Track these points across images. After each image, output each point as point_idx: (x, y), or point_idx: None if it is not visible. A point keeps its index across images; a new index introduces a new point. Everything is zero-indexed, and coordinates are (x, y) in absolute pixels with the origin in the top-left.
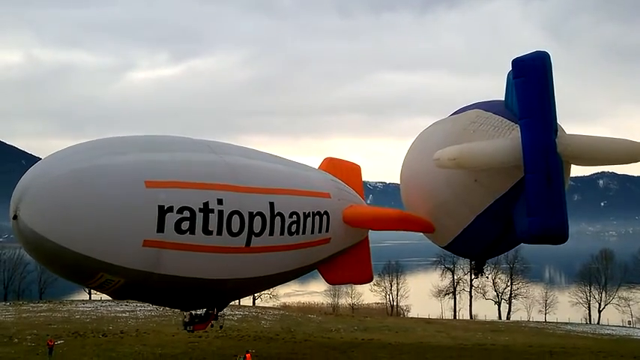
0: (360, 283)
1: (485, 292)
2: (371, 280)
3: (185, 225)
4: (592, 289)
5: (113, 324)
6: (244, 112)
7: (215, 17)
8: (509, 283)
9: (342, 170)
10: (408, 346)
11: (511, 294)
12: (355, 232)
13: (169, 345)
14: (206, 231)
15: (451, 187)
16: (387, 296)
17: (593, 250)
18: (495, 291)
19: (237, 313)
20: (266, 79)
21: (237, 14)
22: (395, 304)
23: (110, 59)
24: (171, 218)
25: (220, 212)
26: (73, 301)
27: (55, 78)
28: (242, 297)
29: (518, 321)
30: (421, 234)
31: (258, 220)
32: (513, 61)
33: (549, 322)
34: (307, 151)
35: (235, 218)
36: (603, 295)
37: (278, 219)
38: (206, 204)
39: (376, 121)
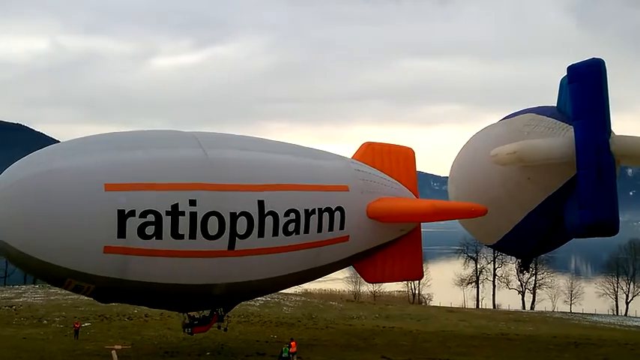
0: (407, 280)
1: (508, 282)
2: (420, 277)
3: (150, 230)
4: (619, 279)
5: (138, 307)
6: (266, 99)
7: (238, 3)
8: (533, 273)
9: (385, 156)
10: (429, 335)
11: (535, 284)
12: (389, 228)
13: None
14: (176, 235)
15: (504, 184)
16: (409, 284)
17: (622, 240)
18: (519, 280)
19: (259, 299)
20: (288, 66)
21: (261, 0)
22: (417, 292)
23: (133, 46)
24: (133, 223)
25: (193, 214)
26: None
27: (80, 65)
28: (250, 298)
29: (542, 311)
30: (456, 228)
31: (242, 220)
32: (568, 67)
33: (575, 313)
34: (329, 139)
35: (212, 220)
36: (631, 286)
37: (269, 218)
38: (175, 206)
39: (399, 108)
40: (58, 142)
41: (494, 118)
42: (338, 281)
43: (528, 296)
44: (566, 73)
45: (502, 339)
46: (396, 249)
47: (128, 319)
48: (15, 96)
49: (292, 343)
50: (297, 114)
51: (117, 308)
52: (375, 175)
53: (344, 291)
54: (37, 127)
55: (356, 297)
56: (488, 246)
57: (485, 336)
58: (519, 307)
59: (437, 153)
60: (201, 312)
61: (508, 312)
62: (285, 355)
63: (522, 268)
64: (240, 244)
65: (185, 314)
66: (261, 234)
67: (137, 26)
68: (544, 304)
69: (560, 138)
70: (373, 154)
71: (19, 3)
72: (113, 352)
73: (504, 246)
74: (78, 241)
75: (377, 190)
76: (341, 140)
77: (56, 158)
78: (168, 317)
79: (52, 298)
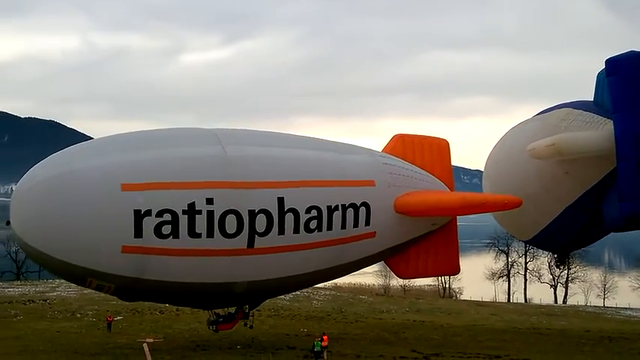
0: (443, 275)
1: (540, 276)
2: (457, 272)
3: (167, 229)
4: None
5: None
6: (295, 94)
7: None
8: (566, 267)
9: (417, 148)
10: (460, 329)
11: (568, 278)
12: (419, 222)
13: None
14: (193, 234)
15: (541, 179)
16: (440, 278)
17: None
18: (551, 274)
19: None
20: (316, 60)
21: None
22: (447, 286)
23: (163, 42)
24: (149, 222)
25: (210, 213)
26: None
27: (111, 61)
28: (275, 296)
29: (574, 305)
30: (487, 221)
31: (261, 218)
32: (606, 60)
33: (608, 307)
34: (359, 132)
35: (230, 218)
36: None
37: (290, 216)
38: (192, 205)
39: (427, 101)
40: (91, 138)
41: (523, 109)
42: (368, 275)
43: (560, 290)
44: (602, 67)
45: (534, 333)
46: (430, 243)
47: (160, 312)
48: (48, 93)
49: (324, 337)
50: (325, 108)
51: (148, 302)
52: (404, 168)
53: (374, 285)
54: (70, 124)
55: (386, 291)
56: (524, 241)
57: (517, 330)
58: (551, 301)
59: (467, 145)
60: (226, 309)
61: (540, 306)
62: (317, 348)
63: (558, 262)
64: (259, 242)
65: (210, 311)
66: (281, 231)
67: (166, 22)
68: (576, 298)
69: (599, 131)
70: (404, 146)
71: (51, 1)
72: (145, 345)
73: (540, 241)
74: (96, 241)
75: (406, 184)
76: (372, 134)
77: (76, 159)
78: (199, 311)
79: (85, 292)
